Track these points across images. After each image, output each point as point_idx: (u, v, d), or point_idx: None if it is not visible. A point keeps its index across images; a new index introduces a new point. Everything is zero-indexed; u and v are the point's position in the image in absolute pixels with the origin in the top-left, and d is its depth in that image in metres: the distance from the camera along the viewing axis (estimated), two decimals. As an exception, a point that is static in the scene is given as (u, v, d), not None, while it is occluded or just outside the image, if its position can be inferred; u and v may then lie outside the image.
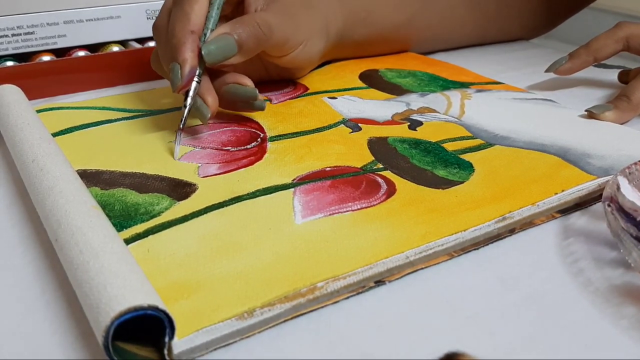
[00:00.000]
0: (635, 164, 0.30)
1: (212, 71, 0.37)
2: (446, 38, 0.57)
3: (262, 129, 0.38)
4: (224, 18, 0.38)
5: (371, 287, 0.24)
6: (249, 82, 0.37)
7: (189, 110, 0.35)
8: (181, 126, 0.34)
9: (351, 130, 0.37)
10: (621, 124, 0.39)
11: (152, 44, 0.51)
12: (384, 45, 0.53)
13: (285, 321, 0.23)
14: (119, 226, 0.27)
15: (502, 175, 0.32)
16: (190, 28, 0.35)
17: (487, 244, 0.27)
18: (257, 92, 0.37)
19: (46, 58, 0.47)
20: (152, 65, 0.40)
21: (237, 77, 0.37)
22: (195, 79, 0.35)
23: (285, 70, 0.45)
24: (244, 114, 0.40)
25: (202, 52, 0.34)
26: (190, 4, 0.35)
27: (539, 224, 0.29)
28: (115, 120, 0.39)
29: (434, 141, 0.36)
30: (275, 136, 0.37)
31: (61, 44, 0.47)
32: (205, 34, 0.36)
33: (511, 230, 0.28)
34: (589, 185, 0.31)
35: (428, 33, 0.55)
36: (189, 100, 0.35)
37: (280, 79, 0.46)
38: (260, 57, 0.40)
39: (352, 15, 0.48)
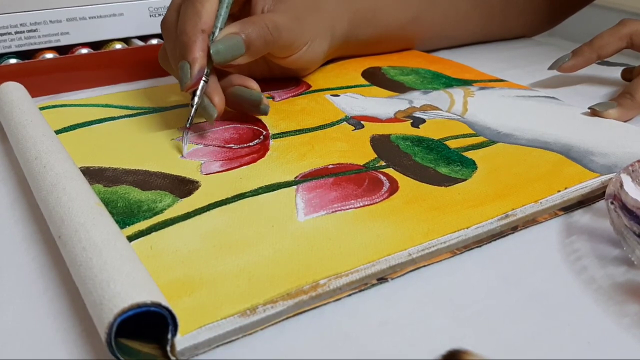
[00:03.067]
0: (639, 161, 0.30)
1: (219, 71, 0.37)
2: (450, 36, 0.56)
3: (264, 127, 0.38)
4: (231, 17, 0.38)
5: (373, 285, 0.24)
6: (254, 86, 0.37)
7: (195, 109, 0.35)
8: (188, 125, 0.34)
9: (354, 128, 0.37)
10: (624, 121, 0.39)
11: (154, 41, 0.51)
12: (389, 44, 0.53)
13: (287, 318, 0.23)
14: (122, 223, 0.27)
15: (505, 173, 0.32)
16: (201, 27, 0.34)
17: (490, 242, 0.27)
18: (262, 96, 0.37)
19: (49, 55, 0.47)
20: (159, 61, 0.40)
21: (244, 79, 0.37)
22: (203, 78, 0.35)
23: (289, 69, 0.45)
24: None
25: (211, 51, 0.34)
26: (201, 1, 0.35)
27: (542, 222, 0.29)
28: (118, 117, 0.39)
29: (436, 139, 0.36)
30: (278, 134, 0.37)
31: (64, 41, 0.47)
32: (213, 33, 0.35)
33: (514, 228, 0.28)
34: (592, 182, 0.31)
35: (432, 31, 0.55)
36: (196, 99, 0.35)
37: (283, 77, 0.46)
38: (264, 56, 0.40)
39: (358, 15, 0.48)
